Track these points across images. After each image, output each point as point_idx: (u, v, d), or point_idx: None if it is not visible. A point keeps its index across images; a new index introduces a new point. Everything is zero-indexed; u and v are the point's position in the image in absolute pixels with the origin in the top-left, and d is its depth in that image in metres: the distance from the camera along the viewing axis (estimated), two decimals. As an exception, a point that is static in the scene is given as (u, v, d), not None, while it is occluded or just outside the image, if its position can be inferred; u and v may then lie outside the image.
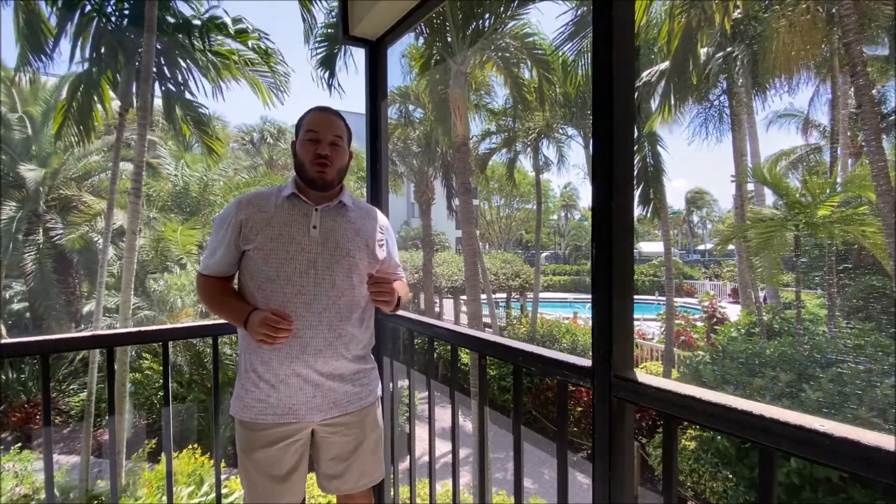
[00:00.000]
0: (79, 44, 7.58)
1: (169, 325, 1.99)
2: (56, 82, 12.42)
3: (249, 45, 8.59)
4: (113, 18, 7.80)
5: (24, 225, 11.49)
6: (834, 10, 8.05)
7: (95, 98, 8.08)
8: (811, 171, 15.24)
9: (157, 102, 9.05)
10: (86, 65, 7.85)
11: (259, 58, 8.72)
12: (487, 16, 8.67)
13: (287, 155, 20.90)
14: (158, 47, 8.09)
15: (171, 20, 8.15)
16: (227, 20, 8.21)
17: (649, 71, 10.84)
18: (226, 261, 1.43)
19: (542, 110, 13.04)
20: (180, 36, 8.24)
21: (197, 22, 8.23)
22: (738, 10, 9.65)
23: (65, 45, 7.69)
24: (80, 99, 8.01)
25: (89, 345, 1.81)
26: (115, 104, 8.51)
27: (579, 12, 8.82)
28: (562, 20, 8.54)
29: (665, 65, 10.38)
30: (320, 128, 1.41)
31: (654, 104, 11.46)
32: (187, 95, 8.87)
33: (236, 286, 1.50)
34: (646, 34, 10.53)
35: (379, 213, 1.61)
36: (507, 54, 9.62)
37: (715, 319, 12.02)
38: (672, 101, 10.61)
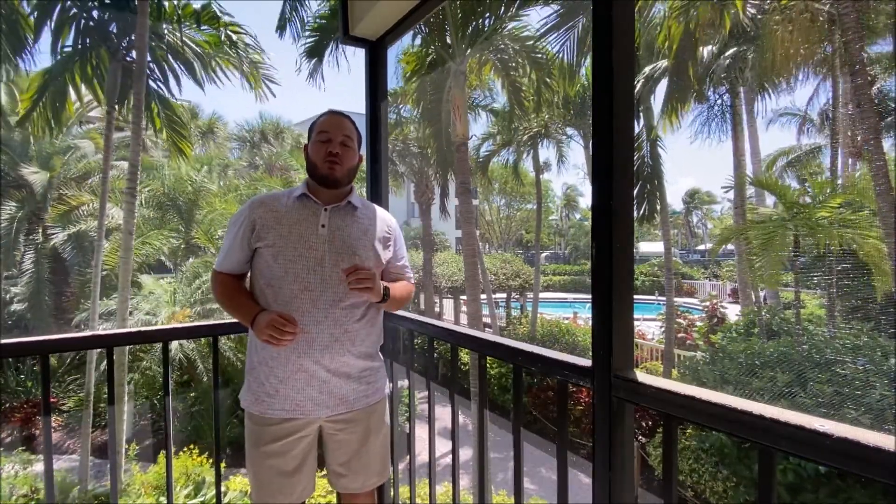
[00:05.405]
0: (61, 35, 7.43)
1: (169, 326, 1.99)
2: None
3: (221, 34, 8.40)
4: (95, 13, 7.69)
5: (25, 225, 11.48)
6: (833, 10, 8.04)
7: (71, 88, 7.92)
8: (810, 171, 15.23)
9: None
10: (63, 56, 7.72)
11: (234, 46, 8.54)
12: (488, 15, 8.60)
13: (286, 156, 20.84)
14: (152, 43, 7.96)
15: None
16: (196, 6, 8.08)
17: (653, 66, 10.84)
18: (238, 258, 1.49)
19: (540, 113, 13.01)
20: (164, 26, 8.09)
21: (167, 5, 8.07)
22: (742, 8, 9.60)
23: (47, 40, 7.55)
24: (53, 88, 7.83)
25: (89, 345, 1.81)
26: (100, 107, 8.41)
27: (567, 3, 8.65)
28: (550, 8, 8.30)
29: (664, 63, 10.38)
30: (331, 128, 1.48)
31: (653, 101, 11.47)
32: (164, 91, 8.67)
33: (248, 285, 1.55)
34: (647, 35, 10.51)
35: (388, 215, 1.66)
36: (506, 57, 9.52)
37: (716, 319, 12.01)
38: (674, 104, 10.63)
